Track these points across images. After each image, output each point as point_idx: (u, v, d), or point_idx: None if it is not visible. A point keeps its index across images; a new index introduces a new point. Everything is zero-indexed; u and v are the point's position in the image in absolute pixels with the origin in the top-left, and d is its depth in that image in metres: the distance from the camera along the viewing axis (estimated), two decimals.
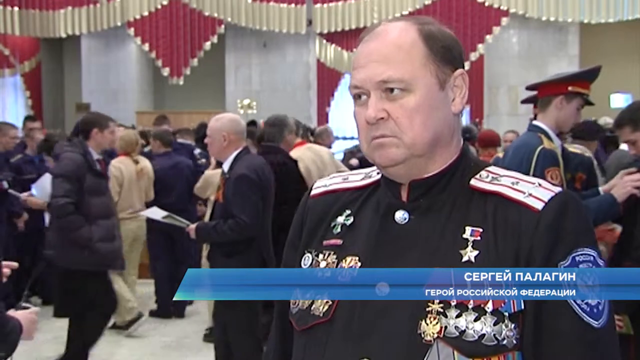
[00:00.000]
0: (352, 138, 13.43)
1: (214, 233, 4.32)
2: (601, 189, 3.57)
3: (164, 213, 4.82)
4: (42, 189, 6.00)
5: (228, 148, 4.34)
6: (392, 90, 1.24)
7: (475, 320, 1.17)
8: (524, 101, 4.52)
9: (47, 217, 5.67)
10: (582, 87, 3.52)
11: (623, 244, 3.40)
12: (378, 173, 1.37)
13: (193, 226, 4.49)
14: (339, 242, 1.32)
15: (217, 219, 4.37)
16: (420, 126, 1.24)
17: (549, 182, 1.29)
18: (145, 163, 6.51)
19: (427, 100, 1.25)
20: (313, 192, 1.44)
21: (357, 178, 1.41)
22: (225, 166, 4.36)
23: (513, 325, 1.18)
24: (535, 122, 3.59)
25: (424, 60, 1.26)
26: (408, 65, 1.24)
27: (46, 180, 5.57)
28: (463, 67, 1.31)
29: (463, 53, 1.34)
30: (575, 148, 4.31)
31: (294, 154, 5.59)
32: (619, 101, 14.59)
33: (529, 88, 3.84)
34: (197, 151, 7.60)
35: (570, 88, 3.49)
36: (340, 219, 1.35)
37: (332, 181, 1.43)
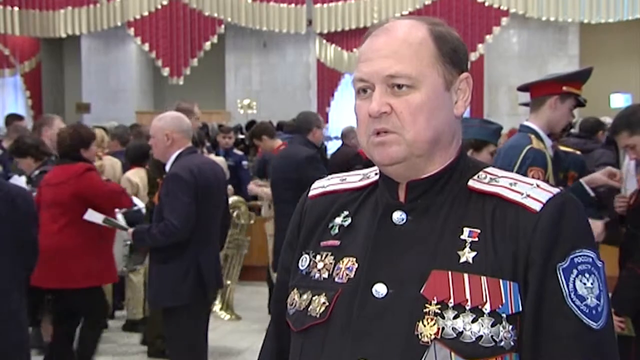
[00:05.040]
0: None
1: (147, 237, 4.06)
2: (583, 180, 3.64)
3: (102, 217, 4.59)
4: None
5: (171, 148, 4.08)
6: (399, 86, 1.23)
7: (473, 321, 1.16)
8: (524, 103, 4.51)
9: None
10: (575, 88, 3.52)
11: (627, 246, 3.39)
12: (376, 174, 1.36)
13: (131, 230, 4.22)
14: (337, 243, 1.32)
15: (154, 221, 4.11)
16: (422, 124, 1.23)
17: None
18: (107, 162, 6.39)
19: (431, 99, 1.24)
20: (311, 192, 1.43)
21: (356, 179, 1.40)
22: (167, 167, 4.11)
23: (511, 327, 1.17)
24: (526, 123, 3.58)
25: (433, 59, 1.25)
26: (416, 62, 1.24)
27: (19, 181, 5.50)
28: (467, 71, 1.31)
29: (468, 57, 1.34)
30: (567, 147, 4.34)
31: None
32: (619, 101, 14.58)
33: (520, 89, 3.82)
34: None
35: (564, 88, 3.48)
36: (338, 220, 1.35)
37: (330, 182, 1.43)
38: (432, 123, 1.24)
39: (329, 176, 1.46)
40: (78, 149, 4.71)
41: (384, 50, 1.25)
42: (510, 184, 1.25)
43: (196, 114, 5.31)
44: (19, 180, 5.49)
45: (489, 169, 1.31)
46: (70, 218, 4.56)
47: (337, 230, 1.33)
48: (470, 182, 1.28)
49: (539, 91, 3.54)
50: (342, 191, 1.39)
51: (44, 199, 4.62)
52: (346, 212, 1.35)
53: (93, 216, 4.59)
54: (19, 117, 8.42)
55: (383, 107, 1.23)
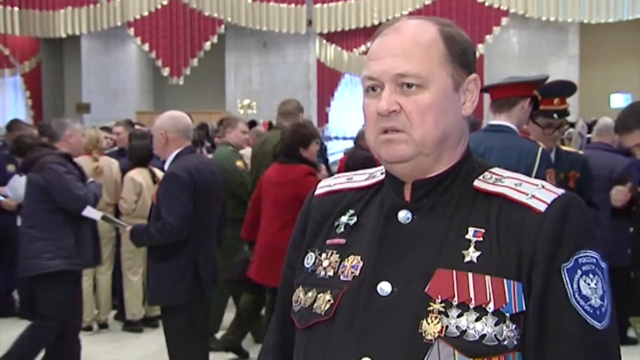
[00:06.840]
0: (352, 138, 13.43)
1: (144, 236, 4.07)
2: None
3: (101, 213, 4.62)
4: (15, 190, 5.94)
5: (168, 147, 4.09)
6: (408, 85, 1.24)
7: (477, 320, 1.17)
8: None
9: (19, 219, 5.47)
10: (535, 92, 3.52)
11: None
12: (382, 173, 1.37)
13: (128, 228, 4.20)
14: (342, 241, 1.32)
15: (151, 220, 4.10)
16: (431, 124, 1.24)
17: (550, 183, 1.29)
18: (104, 162, 6.37)
19: (440, 100, 1.25)
20: (317, 191, 1.44)
21: (362, 178, 1.41)
22: (166, 166, 4.14)
23: (514, 326, 1.18)
24: (506, 124, 3.43)
25: (442, 59, 1.26)
26: (426, 62, 1.24)
27: (20, 181, 5.50)
28: (475, 72, 1.32)
29: (476, 58, 1.35)
30: (569, 147, 4.31)
31: None
32: (619, 101, 14.58)
33: (484, 90, 3.73)
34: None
35: (534, 92, 3.49)
36: (344, 219, 1.35)
37: (336, 181, 1.44)
38: (440, 123, 1.25)
39: (335, 175, 1.46)
40: (298, 148, 4.81)
41: (393, 49, 1.25)
42: (516, 185, 1.26)
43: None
44: (20, 180, 5.50)
45: (495, 169, 1.32)
46: (289, 219, 4.52)
47: (342, 229, 1.34)
48: (476, 182, 1.28)
49: (515, 92, 3.46)
50: (348, 190, 1.40)
51: (267, 196, 4.75)
52: (352, 211, 1.36)
53: (91, 213, 4.59)
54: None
55: (392, 105, 1.23)
